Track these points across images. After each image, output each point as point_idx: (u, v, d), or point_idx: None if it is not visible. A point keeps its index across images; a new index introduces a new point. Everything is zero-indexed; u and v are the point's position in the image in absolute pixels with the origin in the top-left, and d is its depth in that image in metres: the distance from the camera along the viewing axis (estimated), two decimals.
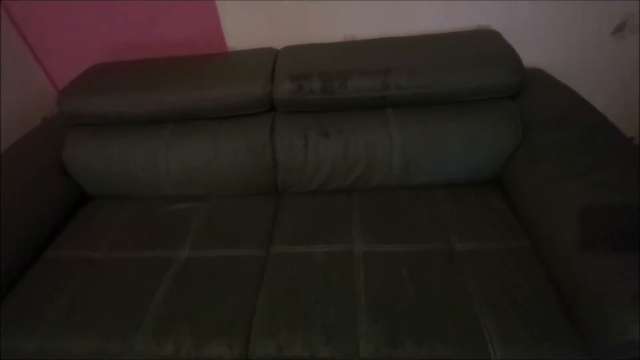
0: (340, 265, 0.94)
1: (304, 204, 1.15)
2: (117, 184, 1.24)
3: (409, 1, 1.26)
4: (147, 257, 1.03)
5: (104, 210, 1.22)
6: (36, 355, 0.87)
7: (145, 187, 1.23)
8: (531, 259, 0.91)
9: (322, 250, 0.99)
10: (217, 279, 0.95)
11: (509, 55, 1.11)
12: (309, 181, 1.18)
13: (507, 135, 1.10)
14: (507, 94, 1.13)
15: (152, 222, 1.15)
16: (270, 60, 1.24)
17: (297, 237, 1.04)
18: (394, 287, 0.88)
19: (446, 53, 1.15)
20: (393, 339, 0.79)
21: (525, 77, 1.11)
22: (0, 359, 0.88)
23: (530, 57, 1.24)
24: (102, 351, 0.85)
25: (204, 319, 0.87)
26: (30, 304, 0.95)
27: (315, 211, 1.12)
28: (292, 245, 1.02)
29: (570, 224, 0.83)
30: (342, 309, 0.85)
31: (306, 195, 1.19)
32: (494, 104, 1.13)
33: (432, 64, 1.11)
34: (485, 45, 1.17)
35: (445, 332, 0.79)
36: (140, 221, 1.16)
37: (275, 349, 0.81)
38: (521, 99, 1.15)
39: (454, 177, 1.14)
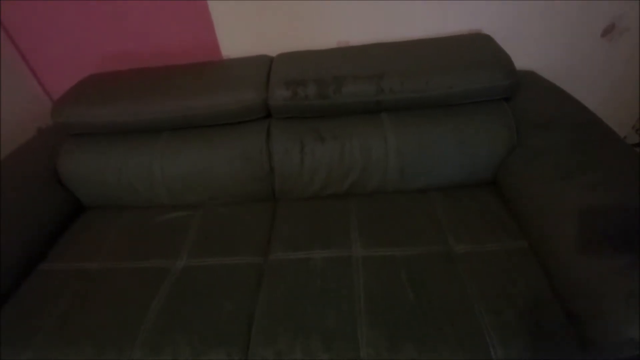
0: (339, 271, 0.94)
1: (301, 210, 1.15)
2: (112, 194, 1.23)
3: (401, 7, 1.28)
4: (143, 267, 1.02)
5: (100, 220, 1.21)
6: None
7: (141, 196, 1.22)
8: (529, 260, 0.91)
9: (320, 256, 0.98)
10: (215, 288, 0.95)
11: (501, 58, 1.13)
12: (305, 187, 1.19)
13: (502, 137, 1.11)
14: (500, 96, 1.14)
15: (148, 231, 1.14)
16: (265, 68, 1.25)
17: (295, 243, 1.03)
18: (393, 291, 0.88)
19: (439, 57, 1.17)
20: (393, 343, 0.78)
21: (518, 79, 1.12)
22: None
23: (522, 60, 1.26)
24: None
25: (203, 328, 0.86)
26: (25, 316, 0.93)
27: (313, 217, 1.11)
28: (290, 251, 1.01)
29: (566, 224, 0.84)
30: (342, 314, 0.84)
31: (303, 201, 1.18)
32: (488, 106, 1.14)
33: (425, 67, 1.12)
34: (477, 49, 1.19)
35: (445, 334, 0.78)
36: (136, 231, 1.15)
37: (274, 357, 0.80)
38: (515, 101, 1.17)
39: (450, 179, 1.15)
